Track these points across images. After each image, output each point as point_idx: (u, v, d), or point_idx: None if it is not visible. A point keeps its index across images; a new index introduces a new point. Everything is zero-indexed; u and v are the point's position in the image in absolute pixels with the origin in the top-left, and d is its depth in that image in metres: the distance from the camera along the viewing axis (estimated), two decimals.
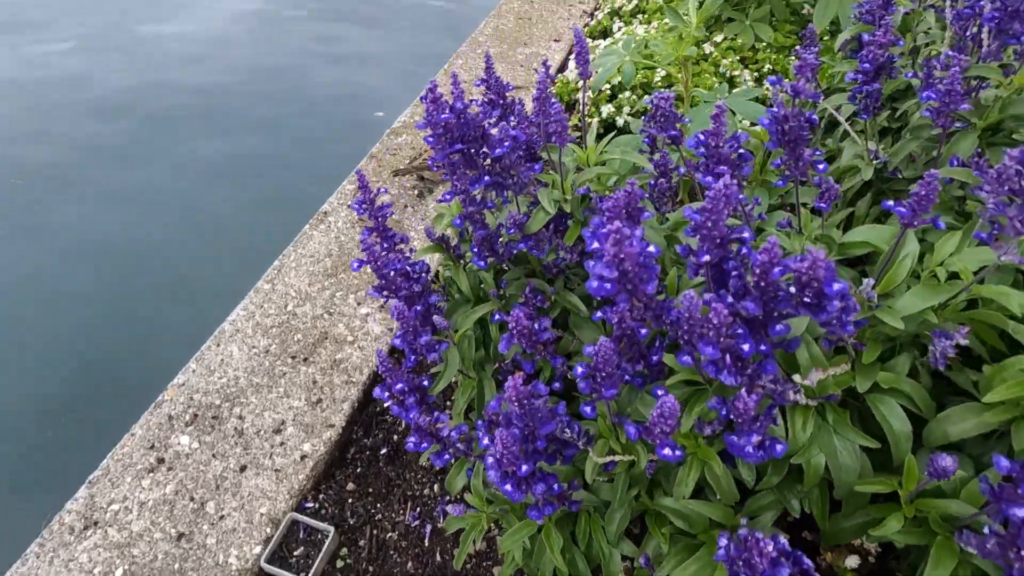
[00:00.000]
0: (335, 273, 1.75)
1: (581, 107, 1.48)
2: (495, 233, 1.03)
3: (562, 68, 2.62)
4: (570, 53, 2.73)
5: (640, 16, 2.62)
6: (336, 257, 1.79)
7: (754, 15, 2.23)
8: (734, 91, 1.48)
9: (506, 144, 0.95)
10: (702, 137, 0.88)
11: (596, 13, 2.78)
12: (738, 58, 2.18)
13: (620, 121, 2.13)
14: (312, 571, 1.15)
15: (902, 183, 1.26)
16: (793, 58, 2.19)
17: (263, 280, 1.72)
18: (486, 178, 1.00)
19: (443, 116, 0.94)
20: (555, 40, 2.76)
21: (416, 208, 1.95)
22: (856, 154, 1.24)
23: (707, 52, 2.19)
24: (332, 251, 1.81)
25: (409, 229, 1.87)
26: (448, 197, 1.00)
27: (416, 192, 2.01)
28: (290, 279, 1.72)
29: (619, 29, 2.59)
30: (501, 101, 1.34)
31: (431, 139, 0.96)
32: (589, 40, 2.76)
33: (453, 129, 0.97)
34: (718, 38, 2.23)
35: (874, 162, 1.25)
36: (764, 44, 2.20)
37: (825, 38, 2.22)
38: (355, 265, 0.93)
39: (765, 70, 2.17)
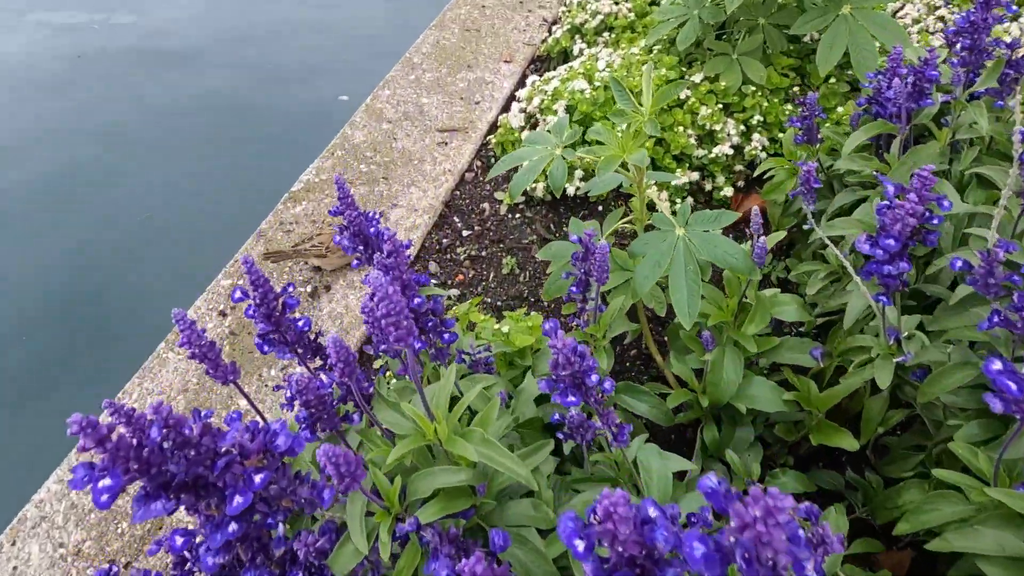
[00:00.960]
0: None
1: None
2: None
3: (510, 101, 2.16)
4: (523, 79, 2.26)
5: (607, 34, 2.15)
6: (192, 396, 1.38)
7: (743, 47, 1.77)
8: (694, 215, 1.05)
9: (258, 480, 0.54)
10: None
11: (556, 27, 2.30)
12: (720, 105, 1.73)
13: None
14: None
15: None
16: (790, 108, 1.74)
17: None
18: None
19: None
20: (505, 61, 2.28)
21: (308, 313, 1.53)
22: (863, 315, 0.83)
23: (682, 97, 1.74)
24: (189, 385, 1.40)
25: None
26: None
27: (309, 289, 1.59)
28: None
29: (580, 52, 2.12)
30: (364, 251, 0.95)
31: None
32: (533, 76, 2.29)
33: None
34: (696, 77, 1.78)
35: (894, 352, 0.85)
36: (754, 88, 1.74)
37: (831, 81, 1.76)
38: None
39: (754, 121, 1.72)
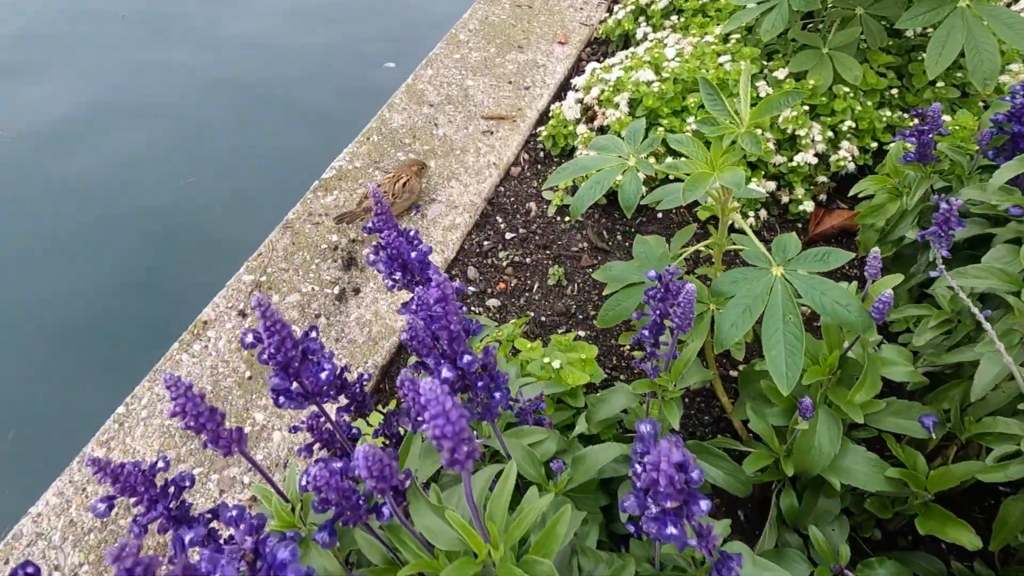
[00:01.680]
0: None
1: None
2: None
3: (563, 88, 1.97)
4: (578, 63, 2.06)
5: (675, 17, 1.93)
6: (210, 399, 1.26)
7: (836, 40, 1.55)
8: (797, 254, 0.88)
9: None
10: None
11: (617, 7, 2.09)
12: (805, 107, 1.52)
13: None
14: None
15: None
16: (887, 114, 1.53)
17: (94, 442, 1.22)
18: None
19: None
20: (559, 42, 2.09)
21: (333, 319, 1.40)
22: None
23: (762, 95, 1.54)
24: (204, 389, 1.29)
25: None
26: None
27: (336, 291, 1.45)
28: (135, 442, 1.21)
29: (645, 37, 1.91)
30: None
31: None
32: (592, 63, 2.10)
33: None
34: (780, 73, 1.57)
35: None
36: (846, 89, 1.53)
37: (938, 85, 1.54)
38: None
39: (844, 127, 1.51)
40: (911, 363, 0.93)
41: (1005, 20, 1.39)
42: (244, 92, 2.44)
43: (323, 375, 0.66)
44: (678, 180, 0.94)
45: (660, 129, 1.54)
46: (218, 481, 1.16)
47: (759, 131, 1.51)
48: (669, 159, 1.01)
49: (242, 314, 1.40)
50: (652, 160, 1.35)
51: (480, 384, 0.68)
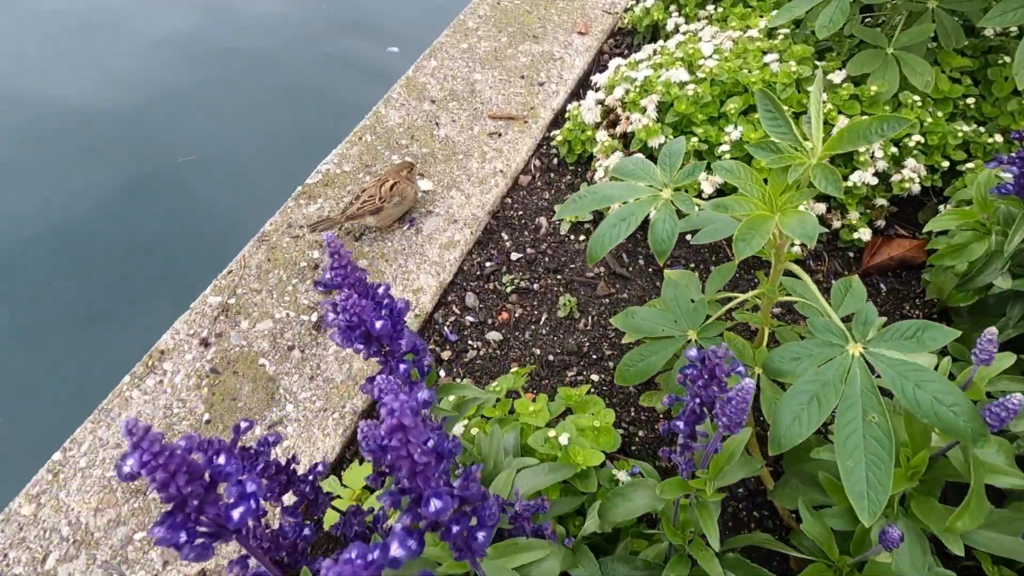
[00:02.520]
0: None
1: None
2: None
3: (582, 86, 1.76)
4: (599, 57, 1.84)
5: (712, 7, 1.71)
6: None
7: (903, 39, 1.33)
8: (880, 327, 0.67)
9: None
10: None
11: None
12: (866, 116, 1.29)
13: None
14: None
15: None
16: (963, 129, 1.30)
17: (23, 496, 1.04)
18: None
19: None
20: (579, 32, 1.87)
21: (309, 352, 1.21)
22: None
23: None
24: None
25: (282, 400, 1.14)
26: None
27: (314, 318, 1.26)
28: (71, 498, 1.04)
29: (676, 29, 1.69)
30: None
31: None
32: (616, 60, 1.89)
33: None
34: (836, 76, 1.35)
35: None
36: (914, 98, 1.31)
37: None
38: None
39: (910, 143, 1.29)
40: (1017, 467, 0.72)
41: None
42: (228, 62, 2.25)
43: (236, 514, 0.47)
44: (722, 199, 0.74)
45: (694, 139, 1.33)
46: (162, 552, 0.99)
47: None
48: (708, 181, 0.80)
49: (204, 343, 1.22)
50: (693, 194, 1.16)
51: (456, 529, 0.49)
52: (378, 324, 0.61)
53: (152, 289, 1.62)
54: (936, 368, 0.75)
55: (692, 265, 1.36)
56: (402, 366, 0.65)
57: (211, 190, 1.86)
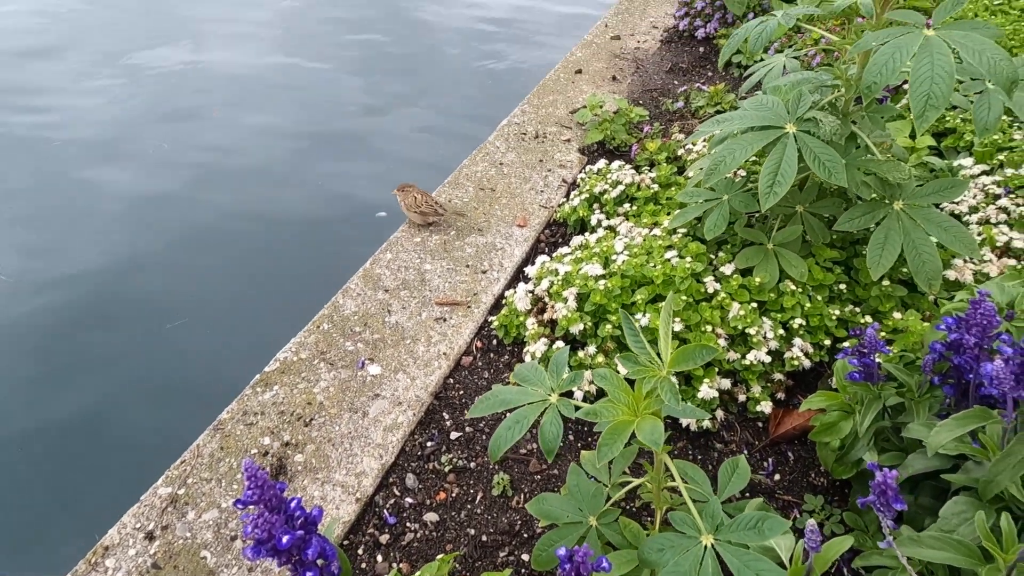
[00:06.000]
0: None
1: None
2: None
3: (520, 271, 1.98)
4: (536, 244, 2.10)
5: (628, 205, 2.00)
6: None
7: (779, 237, 1.57)
8: (730, 520, 0.79)
9: None
10: None
11: (574, 192, 2.17)
12: (754, 304, 1.50)
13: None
14: None
15: None
16: (837, 312, 1.51)
17: None
18: None
19: None
20: (519, 225, 2.14)
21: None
22: None
23: (710, 291, 1.52)
24: None
25: None
26: None
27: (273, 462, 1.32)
28: None
29: (599, 223, 1.96)
30: None
31: None
32: (543, 257, 2.14)
33: None
34: (727, 268, 1.57)
35: None
36: (792, 287, 1.52)
37: (884, 283, 1.54)
38: None
39: (795, 324, 1.49)
40: None
41: (938, 223, 1.41)
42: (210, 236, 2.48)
43: None
44: (593, 407, 0.87)
45: (608, 326, 1.51)
46: None
47: (709, 328, 1.47)
48: (607, 377, 0.94)
49: (150, 536, 1.27)
50: (579, 393, 1.31)
51: None
52: (284, 539, 0.71)
53: (103, 479, 1.68)
54: (795, 549, 0.85)
55: None
56: (308, 573, 0.74)
57: (177, 370, 1.99)
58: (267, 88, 3.79)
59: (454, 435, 1.51)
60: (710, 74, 3.19)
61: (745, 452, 1.44)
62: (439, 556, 1.20)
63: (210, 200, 2.81)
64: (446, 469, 1.43)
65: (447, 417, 1.55)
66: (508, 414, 0.94)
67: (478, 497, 1.38)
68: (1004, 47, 2.18)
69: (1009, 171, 1.81)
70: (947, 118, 2.16)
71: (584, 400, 1.47)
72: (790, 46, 2.90)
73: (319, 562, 0.77)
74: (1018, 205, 1.70)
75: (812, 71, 1.63)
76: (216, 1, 5.12)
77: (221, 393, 1.58)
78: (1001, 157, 1.91)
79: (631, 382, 0.92)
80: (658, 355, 0.90)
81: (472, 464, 1.44)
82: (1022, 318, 0.98)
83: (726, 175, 1.50)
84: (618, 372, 0.98)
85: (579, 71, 3.21)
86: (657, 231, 1.73)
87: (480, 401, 0.99)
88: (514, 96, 3.11)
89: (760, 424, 1.49)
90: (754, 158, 1.67)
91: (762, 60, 1.87)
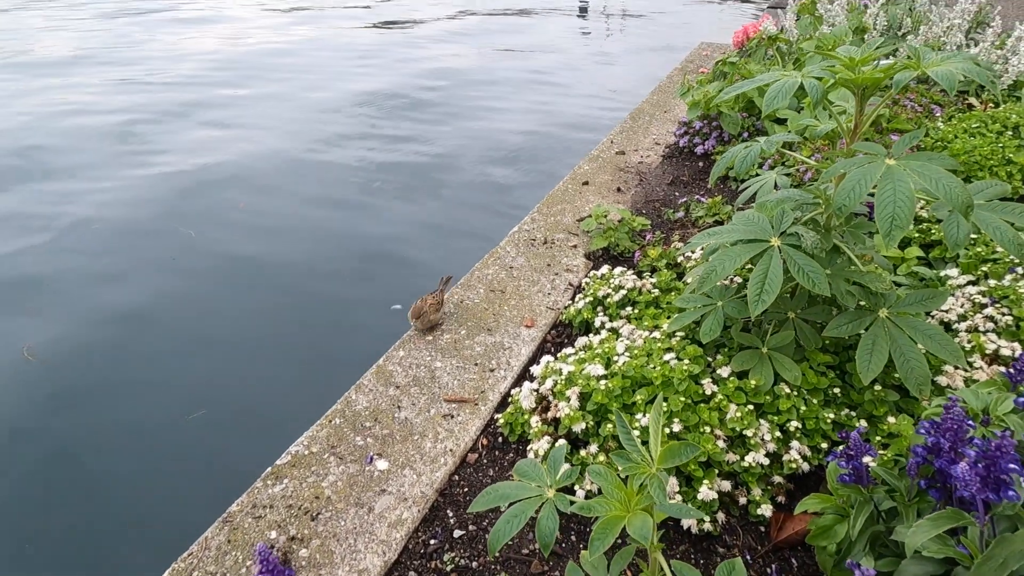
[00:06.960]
0: None
1: None
2: None
3: (527, 370, 2.06)
4: (543, 344, 2.19)
5: (630, 308, 2.10)
6: None
7: (773, 341, 1.65)
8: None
9: None
10: None
11: (579, 295, 2.29)
12: (751, 406, 1.55)
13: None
14: None
15: None
16: (832, 415, 1.55)
17: None
18: None
19: None
20: (526, 326, 2.24)
21: None
22: None
23: (707, 392, 1.58)
24: None
25: None
26: None
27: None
28: None
29: (603, 325, 2.05)
30: None
31: None
32: (547, 357, 2.22)
33: None
34: (724, 371, 1.64)
35: None
36: (787, 390, 1.58)
37: (876, 388, 1.59)
38: None
39: (791, 427, 1.53)
40: None
41: (924, 331, 1.49)
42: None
43: None
44: (587, 502, 0.92)
45: (609, 425, 1.56)
46: None
47: (708, 429, 1.52)
48: (601, 473, 0.99)
49: None
50: (581, 492, 1.35)
51: None
52: None
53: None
54: None
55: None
56: None
57: (192, 459, 2.03)
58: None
59: (457, 533, 1.52)
60: (709, 186, 3.40)
61: (748, 557, 1.43)
62: None
63: (232, 295, 2.98)
64: (448, 568, 1.43)
65: (451, 514, 1.57)
66: (508, 508, 0.98)
67: None
68: (961, 173, 2.36)
69: (992, 282, 1.90)
70: (933, 232, 2.29)
71: (586, 498, 1.50)
72: (782, 163, 3.12)
73: None
74: (1003, 314, 1.77)
75: (800, 187, 1.78)
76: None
77: (234, 488, 1.62)
78: (985, 268, 2.01)
79: (626, 479, 0.97)
80: (649, 453, 0.95)
81: (475, 563, 1.45)
82: (997, 424, 1.03)
83: (718, 283, 1.61)
84: (617, 470, 1.04)
85: (586, 183, 3.44)
86: (657, 334, 1.82)
87: (481, 496, 1.03)
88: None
89: (763, 528, 1.49)
90: (749, 265, 1.79)
91: (757, 175, 2.04)
